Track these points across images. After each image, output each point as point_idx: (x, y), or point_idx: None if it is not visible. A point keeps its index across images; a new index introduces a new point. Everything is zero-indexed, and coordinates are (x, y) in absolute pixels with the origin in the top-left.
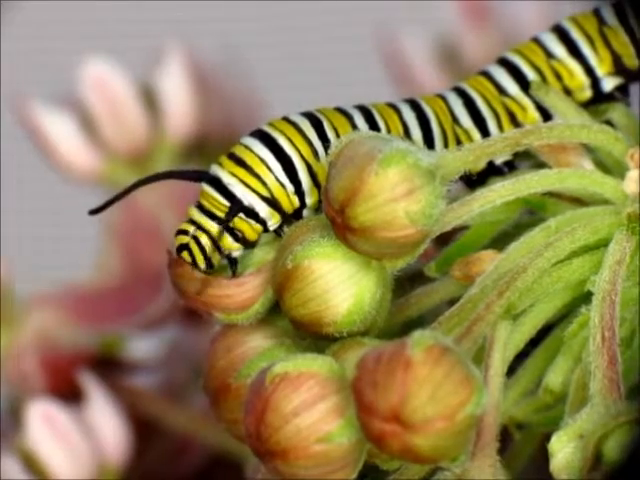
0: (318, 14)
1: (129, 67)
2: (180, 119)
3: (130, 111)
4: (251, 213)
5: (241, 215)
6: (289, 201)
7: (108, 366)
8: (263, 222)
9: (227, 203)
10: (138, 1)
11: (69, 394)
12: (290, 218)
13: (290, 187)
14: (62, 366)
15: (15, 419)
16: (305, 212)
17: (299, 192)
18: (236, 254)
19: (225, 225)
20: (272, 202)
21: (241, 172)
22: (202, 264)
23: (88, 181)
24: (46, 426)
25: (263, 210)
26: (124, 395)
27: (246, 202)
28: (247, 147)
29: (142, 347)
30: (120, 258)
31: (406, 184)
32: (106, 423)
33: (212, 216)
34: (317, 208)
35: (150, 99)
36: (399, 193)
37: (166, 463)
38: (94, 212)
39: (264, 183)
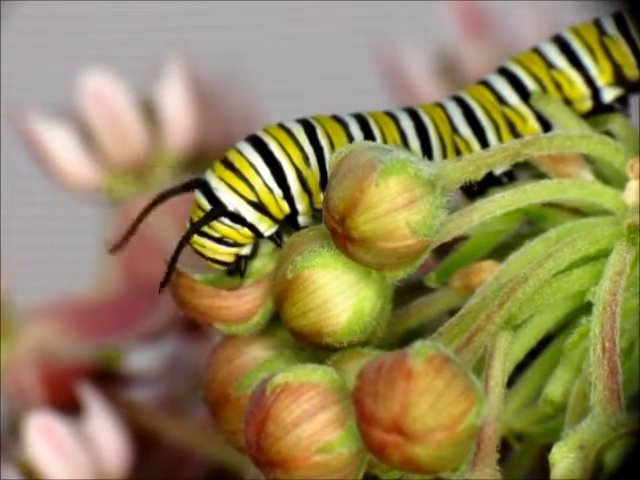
0: (316, 24)
1: (128, 77)
2: (179, 130)
3: (129, 123)
4: (237, 218)
5: (226, 221)
6: (277, 206)
7: (107, 378)
8: (252, 227)
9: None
10: (137, 11)
11: (68, 407)
12: (285, 225)
13: (278, 192)
14: (61, 379)
15: (14, 431)
16: (301, 219)
17: (288, 197)
18: (244, 252)
19: (199, 231)
20: (259, 206)
21: (229, 176)
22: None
23: (87, 193)
24: (45, 438)
25: (250, 215)
26: (123, 407)
27: (231, 207)
28: (238, 151)
29: (141, 359)
30: (119, 270)
31: (407, 195)
32: (105, 435)
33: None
34: (313, 215)
35: (149, 110)
36: (400, 203)
37: (165, 475)
38: (113, 250)
39: (251, 187)
